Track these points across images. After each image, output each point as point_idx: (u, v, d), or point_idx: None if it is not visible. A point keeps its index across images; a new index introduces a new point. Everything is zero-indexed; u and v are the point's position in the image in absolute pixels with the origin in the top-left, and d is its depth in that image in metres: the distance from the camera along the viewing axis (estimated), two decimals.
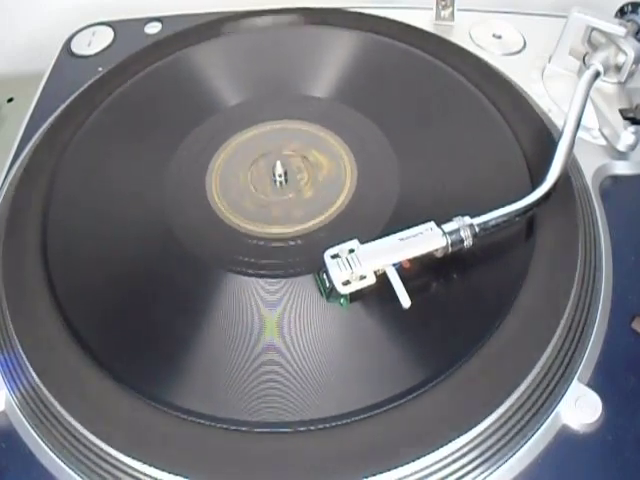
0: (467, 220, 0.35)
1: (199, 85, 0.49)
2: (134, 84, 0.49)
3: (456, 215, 0.35)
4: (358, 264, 0.34)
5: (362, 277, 0.34)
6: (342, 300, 0.35)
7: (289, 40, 0.52)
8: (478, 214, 0.35)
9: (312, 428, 0.31)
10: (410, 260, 0.34)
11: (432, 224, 0.35)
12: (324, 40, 0.51)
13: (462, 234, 0.34)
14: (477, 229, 0.35)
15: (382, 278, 0.34)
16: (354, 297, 0.35)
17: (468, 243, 0.35)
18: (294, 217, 0.40)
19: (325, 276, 0.35)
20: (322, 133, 0.45)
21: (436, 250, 0.35)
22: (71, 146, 0.44)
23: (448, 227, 0.35)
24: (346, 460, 0.30)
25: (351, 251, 0.34)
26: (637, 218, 0.41)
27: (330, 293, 0.35)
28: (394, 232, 0.35)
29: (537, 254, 0.36)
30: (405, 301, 0.33)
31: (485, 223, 0.35)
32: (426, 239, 0.34)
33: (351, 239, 0.35)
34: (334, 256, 0.34)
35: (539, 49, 0.51)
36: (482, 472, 0.31)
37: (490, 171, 0.41)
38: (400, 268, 0.34)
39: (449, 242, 0.34)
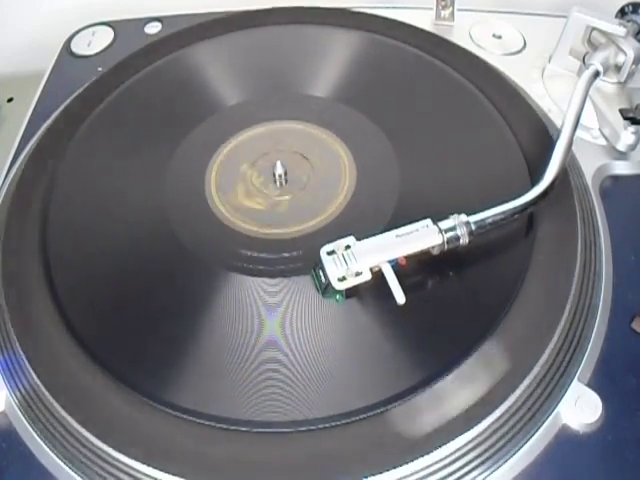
0: (463, 218, 0.35)
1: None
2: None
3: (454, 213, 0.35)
4: (354, 260, 0.34)
5: (358, 273, 0.34)
6: (338, 296, 0.35)
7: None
8: (477, 213, 0.35)
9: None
10: (406, 257, 0.34)
11: (428, 221, 0.35)
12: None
13: (458, 232, 0.34)
14: (473, 227, 0.35)
15: (380, 275, 0.34)
16: (350, 293, 0.35)
17: (464, 241, 0.35)
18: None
19: (321, 272, 0.35)
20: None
21: (432, 247, 0.35)
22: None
23: (444, 224, 0.35)
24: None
25: (347, 247, 0.34)
26: (637, 218, 0.41)
27: (326, 289, 0.35)
28: (391, 229, 0.35)
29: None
30: (400, 298, 0.32)
31: (481, 221, 0.35)
32: (422, 236, 0.34)
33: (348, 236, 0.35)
34: (330, 252, 0.34)
35: (539, 49, 0.51)
36: (482, 472, 0.31)
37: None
38: (397, 265, 0.34)
39: (445, 239, 0.34)
